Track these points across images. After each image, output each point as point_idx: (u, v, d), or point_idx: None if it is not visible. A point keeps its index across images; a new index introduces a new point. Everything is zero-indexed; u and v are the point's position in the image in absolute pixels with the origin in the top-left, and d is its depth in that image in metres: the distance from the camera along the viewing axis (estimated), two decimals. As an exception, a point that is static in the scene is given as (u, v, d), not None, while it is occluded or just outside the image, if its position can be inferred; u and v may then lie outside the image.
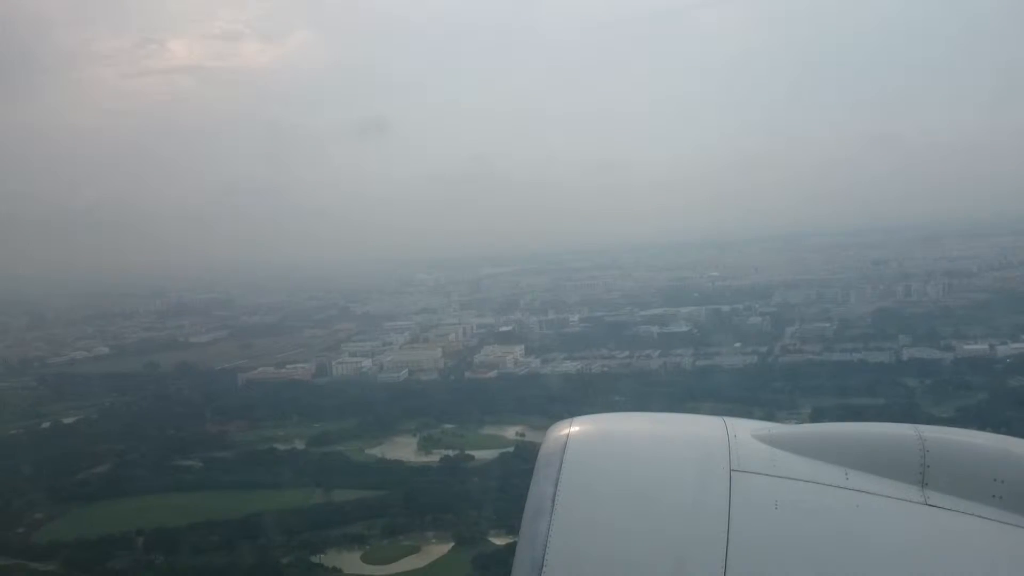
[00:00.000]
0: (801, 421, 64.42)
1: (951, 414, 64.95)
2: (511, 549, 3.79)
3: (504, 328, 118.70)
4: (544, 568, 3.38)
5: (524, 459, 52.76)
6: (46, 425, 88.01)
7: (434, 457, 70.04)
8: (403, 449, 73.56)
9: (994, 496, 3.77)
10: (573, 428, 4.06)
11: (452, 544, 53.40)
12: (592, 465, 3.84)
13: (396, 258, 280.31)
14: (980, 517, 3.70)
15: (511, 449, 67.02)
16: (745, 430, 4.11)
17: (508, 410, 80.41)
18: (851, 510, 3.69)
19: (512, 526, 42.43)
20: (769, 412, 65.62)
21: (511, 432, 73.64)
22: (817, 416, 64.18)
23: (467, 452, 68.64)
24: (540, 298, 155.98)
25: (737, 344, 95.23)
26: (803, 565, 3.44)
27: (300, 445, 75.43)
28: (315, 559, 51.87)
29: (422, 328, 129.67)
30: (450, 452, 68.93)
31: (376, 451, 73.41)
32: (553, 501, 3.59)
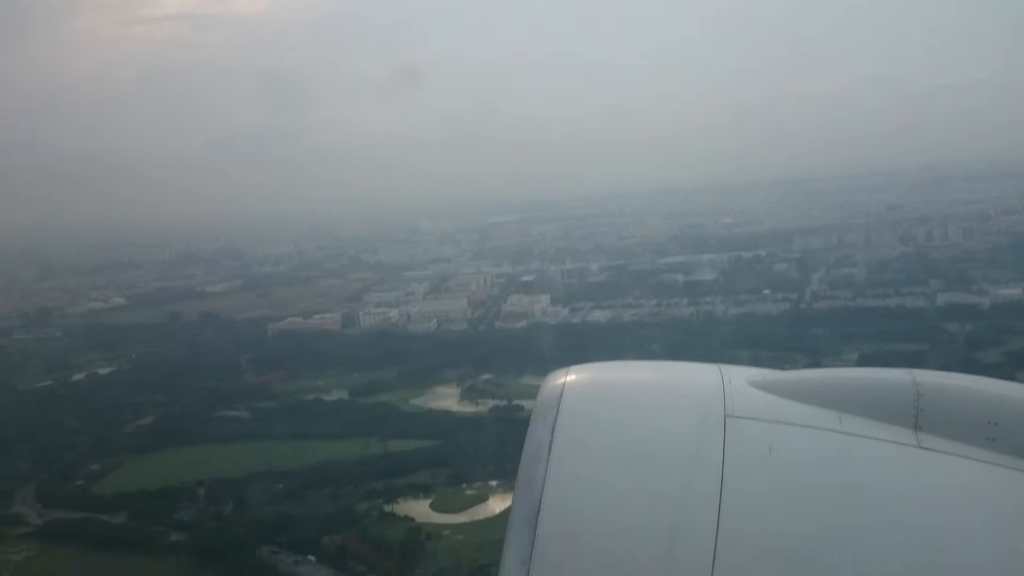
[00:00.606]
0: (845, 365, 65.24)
1: (997, 359, 65.40)
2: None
3: (526, 278, 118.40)
4: (540, 513, 3.42)
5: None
6: (80, 376, 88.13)
7: (479, 407, 70.23)
8: (446, 399, 73.86)
9: (987, 438, 3.78)
10: (570, 376, 4.09)
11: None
12: (588, 412, 3.87)
13: (396, 205, 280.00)
14: (973, 459, 3.72)
15: (557, 399, 67.16)
16: (740, 377, 4.13)
17: (545, 360, 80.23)
18: (844, 453, 3.72)
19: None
20: (814, 359, 65.96)
21: (553, 382, 73.70)
22: (864, 362, 64.67)
23: (514, 402, 68.96)
24: (553, 246, 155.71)
25: (766, 291, 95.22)
26: (796, 507, 3.49)
27: (343, 395, 75.67)
28: (387, 508, 52.26)
29: (441, 278, 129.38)
30: (499, 402, 69.03)
31: (419, 401, 73.68)
32: (550, 448, 3.63)
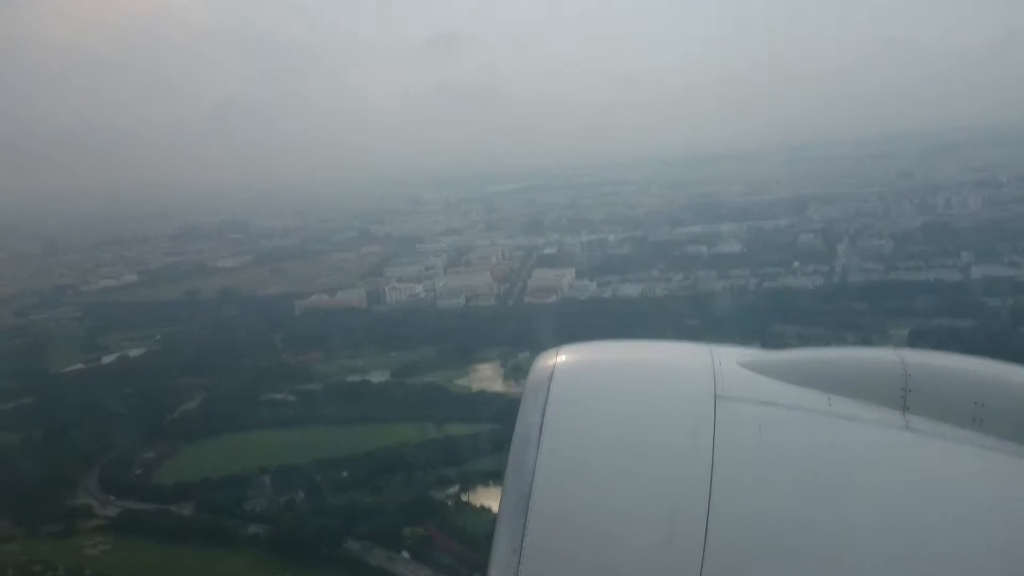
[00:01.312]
0: (898, 345, 65.19)
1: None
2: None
3: (547, 250, 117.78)
4: (531, 497, 3.43)
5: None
6: (111, 358, 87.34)
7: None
8: (490, 380, 73.55)
9: (974, 419, 3.82)
10: (560, 358, 4.02)
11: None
12: (578, 394, 3.82)
13: (395, 176, 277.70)
14: (960, 441, 3.77)
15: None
16: (730, 357, 4.11)
17: (583, 337, 79.18)
18: (832, 434, 3.77)
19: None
20: (862, 336, 66.03)
21: (597, 360, 73.51)
22: (916, 340, 64.75)
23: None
24: (564, 216, 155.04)
25: (795, 263, 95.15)
26: (786, 488, 3.53)
27: (385, 376, 75.29)
28: (464, 497, 52.09)
29: (457, 251, 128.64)
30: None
31: (463, 382, 73.34)
32: (540, 431, 3.62)
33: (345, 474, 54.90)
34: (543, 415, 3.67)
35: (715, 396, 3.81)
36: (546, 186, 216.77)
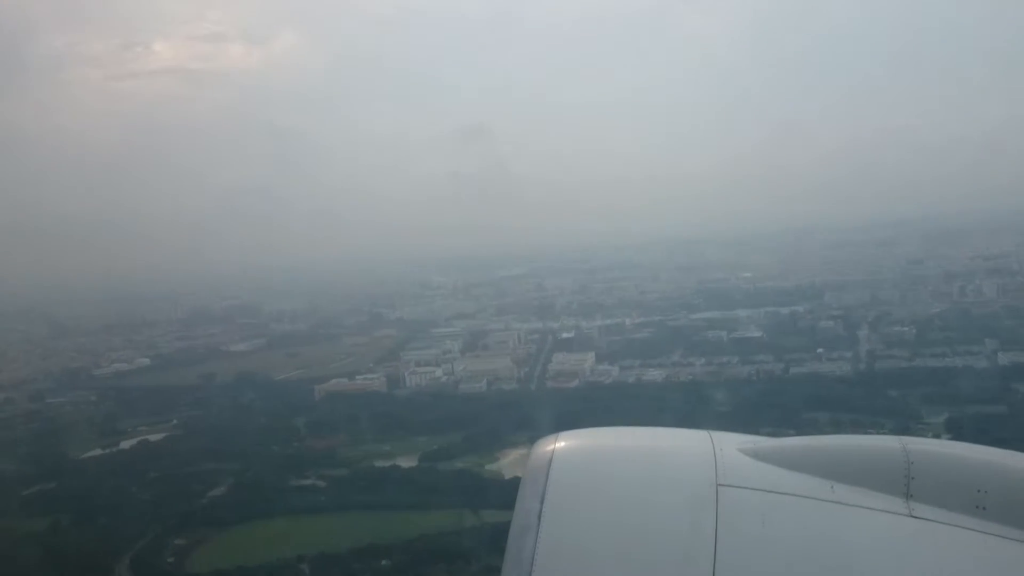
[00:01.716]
0: (937, 432, 64.66)
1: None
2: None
3: (565, 335, 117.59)
4: None
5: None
6: (131, 443, 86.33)
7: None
8: (522, 465, 72.17)
9: (978, 507, 3.83)
10: (559, 443, 4.11)
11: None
12: (578, 481, 3.90)
13: (401, 258, 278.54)
14: (964, 528, 3.76)
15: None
16: (731, 444, 4.18)
17: (613, 422, 79.03)
18: (837, 523, 3.76)
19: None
20: (901, 424, 65.57)
21: (629, 446, 72.92)
22: (953, 426, 64.36)
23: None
24: (575, 300, 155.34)
25: (819, 350, 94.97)
26: None
27: (413, 462, 74.41)
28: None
29: (472, 335, 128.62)
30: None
31: (494, 467, 72.51)
32: (539, 517, 3.63)
33: (385, 563, 53.77)
34: (542, 501, 3.73)
35: (717, 484, 3.85)
36: (552, 268, 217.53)
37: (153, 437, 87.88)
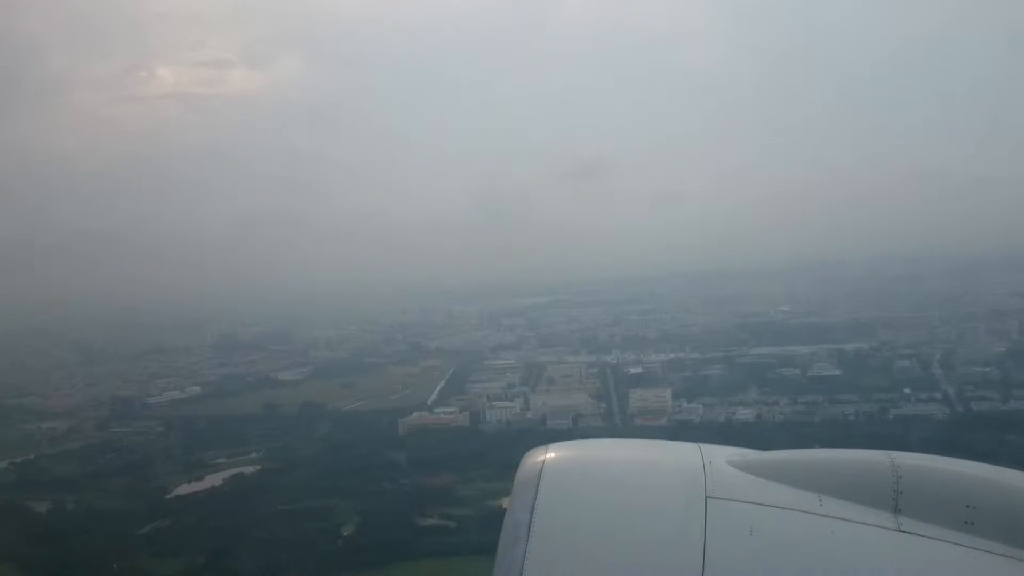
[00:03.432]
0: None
1: None
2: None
3: (632, 370, 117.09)
4: None
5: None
6: (225, 476, 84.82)
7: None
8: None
9: (966, 522, 3.85)
10: (549, 455, 4.14)
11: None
12: (568, 492, 3.91)
13: (411, 285, 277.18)
14: (952, 543, 3.78)
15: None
16: (720, 457, 4.21)
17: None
18: (825, 536, 3.77)
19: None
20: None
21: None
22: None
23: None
24: (617, 333, 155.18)
25: (906, 390, 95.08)
26: None
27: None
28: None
29: (527, 368, 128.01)
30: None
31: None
32: (529, 528, 3.65)
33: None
34: (531, 513, 3.73)
35: (706, 496, 3.86)
36: (572, 302, 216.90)
37: (245, 471, 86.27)
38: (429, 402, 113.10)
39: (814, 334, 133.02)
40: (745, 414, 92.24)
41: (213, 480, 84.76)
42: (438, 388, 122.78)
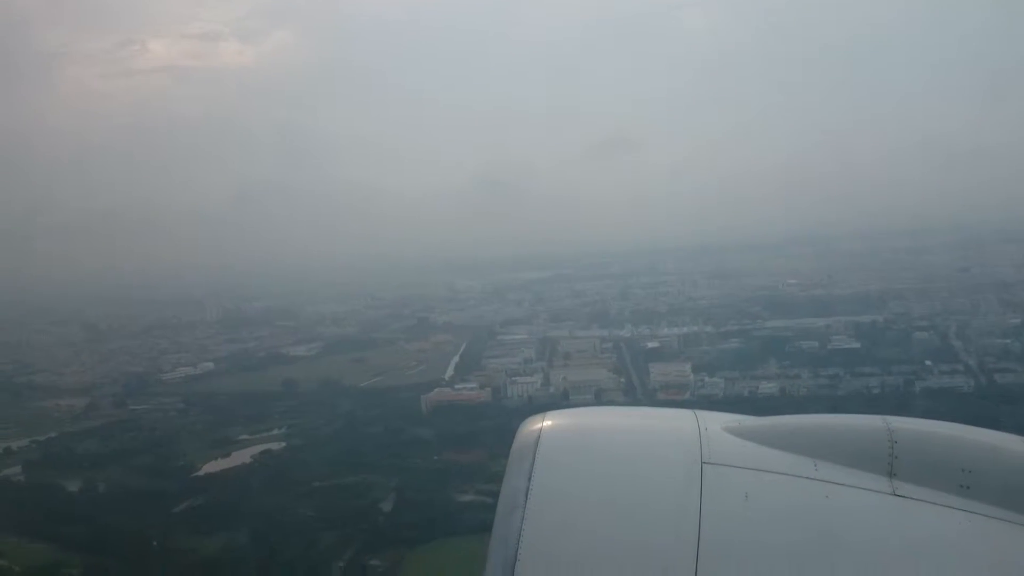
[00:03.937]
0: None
1: None
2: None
3: (650, 344, 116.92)
4: (517, 563, 3.44)
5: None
6: (253, 453, 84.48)
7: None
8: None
9: (962, 486, 3.88)
10: (546, 422, 4.18)
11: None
12: (565, 459, 3.94)
13: (408, 259, 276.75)
14: (948, 507, 3.82)
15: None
16: (716, 423, 4.24)
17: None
18: (820, 501, 3.81)
19: None
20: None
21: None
22: None
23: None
24: (626, 307, 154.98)
25: (927, 362, 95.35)
26: (773, 555, 3.55)
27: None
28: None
29: (541, 343, 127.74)
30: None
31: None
32: (526, 495, 3.68)
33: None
34: (529, 479, 3.76)
35: (702, 462, 3.90)
36: (575, 276, 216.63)
37: (272, 447, 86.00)
38: (446, 377, 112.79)
39: (825, 307, 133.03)
40: (768, 388, 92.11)
41: (239, 457, 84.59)
42: (452, 363, 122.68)
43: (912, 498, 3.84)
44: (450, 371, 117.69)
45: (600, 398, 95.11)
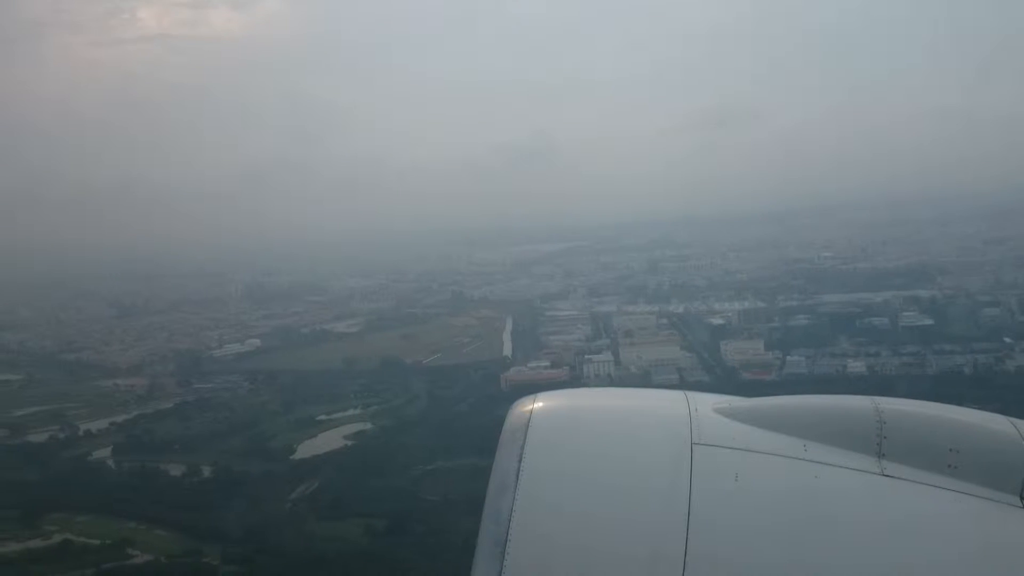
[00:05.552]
0: None
1: None
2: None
3: (715, 320, 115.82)
4: (508, 544, 3.44)
5: None
6: (344, 434, 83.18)
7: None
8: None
9: (949, 466, 3.90)
10: (537, 403, 4.21)
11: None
12: (556, 439, 3.96)
13: (414, 232, 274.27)
14: (936, 487, 3.85)
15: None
16: (706, 404, 4.27)
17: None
18: (809, 481, 3.83)
19: None
20: None
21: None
22: None
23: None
24: (664, 282, 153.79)
25: (1007, 339, 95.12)
26: (762, 535, 3.57)
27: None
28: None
29: (593, 319, 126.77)
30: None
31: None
32: (517, 476, 3.68)
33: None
34: (520, 460, 3.76)
35: (692, 442, 3.92)
36: (592, 248, 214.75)
37: (364, 428, 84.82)
38: (506, 355, 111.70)
39: (872, 281, 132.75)
40: (856, 367, 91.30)
41: (330, 438, 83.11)
42: (507, 340, 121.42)
43: (900, 478, 3.85)
44: (507, 348, 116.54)
45: (684, 378, 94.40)
